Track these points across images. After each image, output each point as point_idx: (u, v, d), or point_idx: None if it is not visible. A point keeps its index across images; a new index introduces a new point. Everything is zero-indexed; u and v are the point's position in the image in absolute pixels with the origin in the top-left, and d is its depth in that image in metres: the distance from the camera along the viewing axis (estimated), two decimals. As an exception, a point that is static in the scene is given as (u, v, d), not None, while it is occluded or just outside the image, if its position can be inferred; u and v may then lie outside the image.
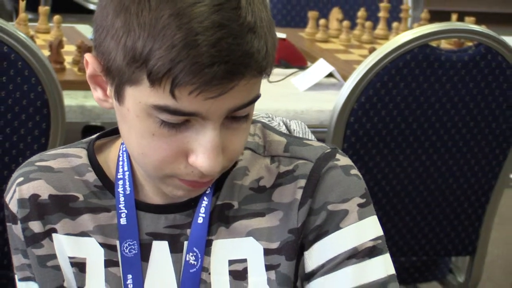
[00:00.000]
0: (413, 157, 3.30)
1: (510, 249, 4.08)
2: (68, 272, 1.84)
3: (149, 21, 1.49)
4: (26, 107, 2.90)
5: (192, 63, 1.46)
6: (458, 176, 3.41)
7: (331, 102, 3.22)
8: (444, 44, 3.31)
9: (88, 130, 3.36)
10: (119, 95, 1.57)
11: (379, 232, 1.81)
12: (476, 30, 3.30)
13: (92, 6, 4.93)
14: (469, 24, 3.39)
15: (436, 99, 3.28)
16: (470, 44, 3.27)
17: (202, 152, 1.56)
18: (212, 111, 1.52)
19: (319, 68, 3.49)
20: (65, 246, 1.82)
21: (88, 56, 1.60)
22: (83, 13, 4.62)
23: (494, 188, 3.43)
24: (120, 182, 1.78)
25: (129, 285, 1.79)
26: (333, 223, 1.78)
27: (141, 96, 1.53)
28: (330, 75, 3.48)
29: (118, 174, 1.77)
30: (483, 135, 3.37)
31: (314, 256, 1.80)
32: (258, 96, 1.57)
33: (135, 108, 1.56)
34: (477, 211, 3.47)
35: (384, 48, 3.20)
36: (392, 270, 1.80)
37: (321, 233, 1.79)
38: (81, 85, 3.16)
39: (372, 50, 3.27)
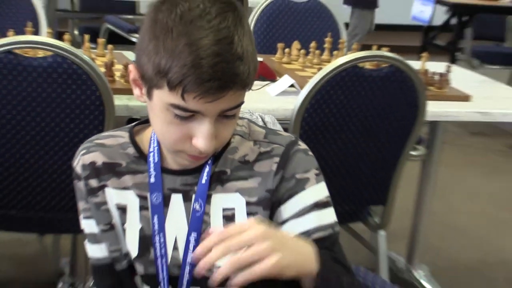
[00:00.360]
0: (346, 140, 3.35)
1: (409, 200, 4.07)
2: (114, 213, 1.86)
3: (170, 47, 1.54)
4: (88, 106, 2.96)
5: (197, 78, 1.53)
6: (376, 153, 3.44)
7: (292, 103, 3.24)
8: (368, 65, 3.29)
9: (130, 121, 3.35)
10: (149, 94, 1.65)
11: (327, 192, 1.86)
12: (389, 55, 3.31)
13: (134, 39, 4.92)
14: (384, 52, 3.38)
15: (361, 102, 3.29)
16: (385, 65, 3.26)
17: (201, 138, 1.63)
18: (209, 111, 1.60)
19: (284, 81, 3.54)
20: (113, 196, 1.85)
21: (131, 66, 1.70)
22: (128, 44, 4.59)
23: (399, 160, 3.45)
24: (151, 154, 1.83)
25: (155, 224, 1.82)
26: (299, 186, 1.82)
27: (163, 96, 1.60)
28: (292, 85, 3.50)
29: (150, 148, 1.83)
30: (392, 126, 3.38)
31: (288, 209, 1.83)
32: (242, 103, 1.66)
33: (159, 104, 1.63)
34: (388, 176, 3.50)
35: (327, 68, 3.23)
36: (335, 218, 1.84)
37: (292, 193, 1.82)
38: (126, 91, 3.16)
39: (319, 69, 3.26)
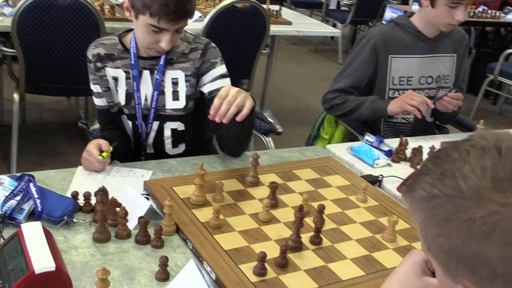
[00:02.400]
0: (232, 43, 3.20)
1: (261, 77, 4.00)
2: (111, 81, 1.76)
3: None
4: (90, 26, 2.81)
5: (167, 12, 1.52)
6: (246, 51, 3.33)
7: (200, 25, 3.09)
8: (239, 5, 3.15)
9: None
10: (136, 17, 1.59)
11: (226, 70, 1.78)
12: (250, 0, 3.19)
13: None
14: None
15: (232, 28, 3.16)
16: (248, 5, 3.14)
17: (164, 42, 1.60)
18: (170, 29, 1.58)
19: (197, 14, 3.34)
20: (110, 71, 1.74)
21: (125, 2, 1.61)
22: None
23: (257, 55, 3.39)
24: (132, 48, 1.72)
25: (134, 86, 1.75)
26: (212, 66, 1.77)
27: (145, 19, 1.56)
28: (200, 16, 3.32)
29: (131, 45, 1.73)
30: (253, 36, 3.30)
31: (206, 78, 1.75)
32: (186, 25, 1.62)
33: (142, 23, 1.59)
34: (252, 63, 3.41)
35: (217, 7, 3.09)
36: (230, 83, 1.72)
37: (209, 69, 1.75)
38: (110, 19, 3.00)
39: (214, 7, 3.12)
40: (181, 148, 1.84)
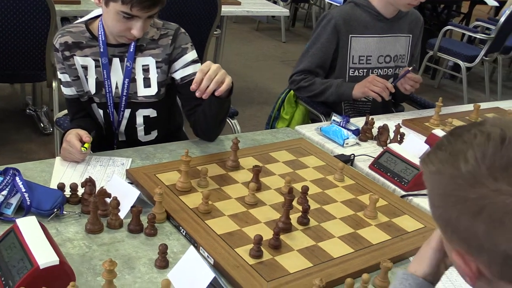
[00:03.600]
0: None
1: (212, 55, 3.98)
2: (80, 70, 1.73)
3: None
4: (41, 9, 2.74)
5: (139, 1, 1.51)
6: (193, 29, 3.29)
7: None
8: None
9: (64, 19, 3.10)
10: (106, 4, 1.58)
11: (197, 55, 1.79)
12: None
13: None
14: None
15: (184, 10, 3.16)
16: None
17: (136, 29, 1.59)
18: (143, 16, 1.57)
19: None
20: (79, 60, 1.72)
21: None
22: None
23: (209, 36, 3.37)
24: (100, 36, 1.70)
25: (104, 74, 1.73)
26: (183, 52, 1.77)
27: (116, 6, 1.55)
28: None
29: (99, 32, 1.70)
30: (205, 16, 3.26)
31: (178, 64, 1.76)
32: (158, 11, 1.61)
33: (113, 10, 1.57)
34: (204, 45, 3.38)
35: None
36: None
37: (180, 56, 1.76)
38: (59, 2, 2.91)
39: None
40: (153, 135, 1.84)
